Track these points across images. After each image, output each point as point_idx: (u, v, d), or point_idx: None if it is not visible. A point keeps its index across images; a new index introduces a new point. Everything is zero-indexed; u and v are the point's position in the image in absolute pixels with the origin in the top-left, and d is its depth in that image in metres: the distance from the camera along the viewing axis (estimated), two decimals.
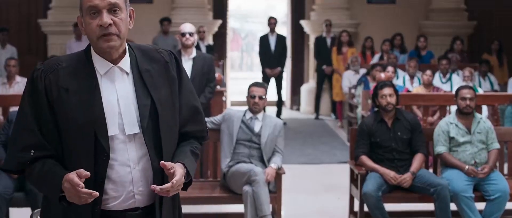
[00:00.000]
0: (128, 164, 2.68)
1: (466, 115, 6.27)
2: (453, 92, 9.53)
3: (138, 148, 2.70)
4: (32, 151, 2.64)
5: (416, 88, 9.83)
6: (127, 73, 2.71)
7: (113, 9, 2.63)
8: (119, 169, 2.68)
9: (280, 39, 13.10)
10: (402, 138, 6.22)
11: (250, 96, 6.28)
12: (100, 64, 2.67)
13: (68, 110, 2.63)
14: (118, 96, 2.67)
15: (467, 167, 6.08)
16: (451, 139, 6.23)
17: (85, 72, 2.65)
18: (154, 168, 2.71)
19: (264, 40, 13.14)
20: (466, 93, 6.31)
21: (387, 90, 6.28)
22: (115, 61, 2.68)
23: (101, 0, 2.60)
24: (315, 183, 8.53)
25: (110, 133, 2.64)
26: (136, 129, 2.69)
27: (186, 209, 6.43)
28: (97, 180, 2.63)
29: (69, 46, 12.53)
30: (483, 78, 11.41)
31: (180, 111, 2.84)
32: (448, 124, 6.28)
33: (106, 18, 2.59)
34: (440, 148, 6.24)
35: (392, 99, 6.26)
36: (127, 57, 2.72)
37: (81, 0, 2.67)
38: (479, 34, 14.61)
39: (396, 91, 6.34)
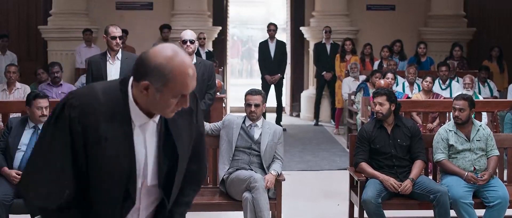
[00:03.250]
0: (138, 207, 2.81)
1: (460, 125, 6.26)
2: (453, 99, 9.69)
3: (151, 194, 2.82)
4: (66, 192, 2.64)
5: (415, 94, 9.83)
6: (156, 123, 2.74)
7: None
8: (133, 212, 2.81)
9: (280, 45, 13.11)
10: (402, 145, 6.22)
11: (247, 104, 6.27)
12: (137, 115, 2.66)
13: (102, 158, 2.63)
14: (147, 149, 2.72)
15: (466, 173, 6.08)
16: (450, 146, 6.24)
17: (122, 120, 2.64)
18: (157, 205, 2.88)
19: (263, 46, 13.15)
20: (456, 104, 6.31)
21: (378, 99, 6.29)
22: (151, 116, 2.70)
23: (192, 88, 2.63)
24: (315, 190, 8.51)
25: (138, 184, 2.73)
26: (155, 180, 2.79)
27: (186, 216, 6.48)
28: None
29: (79, 51, 12.63)
30: (483, 85, 11.41)
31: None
32: (447, 131, 6.29)
33: (189, 101, 2.66)
34: (440, 155, 6.24)
35: (383, 108, 6.24)
36: None
37: (170, 80, 2.55)
38: (478, 40, 14.60)
39: (393, 99, 6.31)
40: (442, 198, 5.85)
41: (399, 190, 5.99)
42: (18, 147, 6.09)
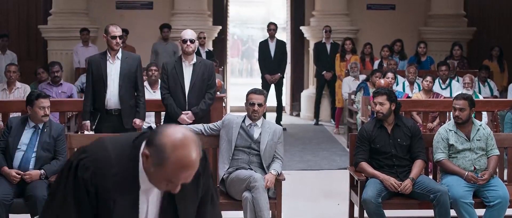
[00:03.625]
0: None
1: (460, 124, 6.26)
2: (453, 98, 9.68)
3: None
4: None
5: (415, 94, 9.81)
6: None
7: None
8: None
9: (280, 44, 13.09)
10: (402, 144, 6.21)
11: (249, 103, 6.25)
12: (144, 182, 2.73)
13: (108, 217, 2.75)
14: (148, 212, 2.82)
15: (466, 173, 6.07)
16: (451, 146, 6.22)
17: (130, 185, 2.73)
18: None
19: (263, 46, 13.13)
20: (456, 103, 6.29)
21: (378, 98, 6.28)
22: None
23: (185, 180, 2.66)
24: (315, 189, 8.50)
25: None
26: None
27: None
28: None
29: (76, 51, 12.63)
30: (483, 84, 11.40)
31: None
32: (447, 131, 6.28)
33: (179, 188, 2.69)
34: (440, 155, 6.23)
35: (383, 108, 6.23)
36: None
37: (165, 163, 2.60)
38: (478, 40, 14.59)
39: (393, 98, 6.29)
40: (442, 198, 5.84)
41: (398, 189, 5.98)
42: (18, 147, 6.08)
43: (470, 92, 9.37)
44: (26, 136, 6.13)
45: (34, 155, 6.09)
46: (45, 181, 5.98)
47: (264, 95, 6.32)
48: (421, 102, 8.57)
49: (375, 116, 8.20)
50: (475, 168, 6.15)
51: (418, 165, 6.15)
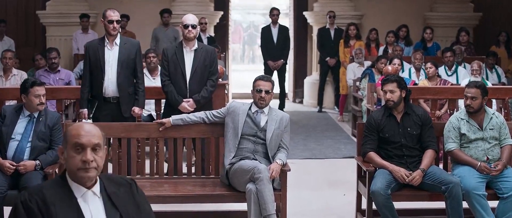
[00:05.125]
0: None
1: (472, 113, 6.02)
2: (460, 84, 9.49)
3: None
4: None
5: (422, 81, 9.59)
6: (98, 197, 3.13)
7: (95, 148, 3.08)
8: None
9: (283, 30, 12.95)
10: (412, 134, 5.98)
11: (256, 90, 6.02)
12: (76, 189, 3.09)
13: None
14: (92, 217, 3.09)
15: (479, 163, 5.84)
16: (462, 135, 5.99)
17: (65, 195, 3.06)
18: None
19: (266, 31, 13.01)
20: (468, 92, 6.05)
21: (388, 86, 6.03)
22: (88, 187, 3.10)
23: (87, 140, 3.06)
24: (319, 179, 8.30)
25: None
26: None
27: (186, 207, 6.28)
28: None
29: (75, 37, 12.49)
30: (490, 71, 11.18)
31: None
32: (459, 120, 6.04)
33: (90, 155, 3.05)
34: (451, 144, 6.00)
35: (394, 96, 6.00)
36: (98, 184, 3.15)
37: (67, 135, 3.10)
38: (484, 26, 14.39)
39: (403, 85, 6.06)
40: (454, 189, 5.61)
41: (406, 180, 5.75)
42: (12, 136, 5.87)
43: (478, 79, 9.14)
44: (21, 125, 5.92)
45: (29, 145, 5.87)
46: (41, 172, 5.77)
47: (272, 82, 6.10)
48: (429, 90, 8.32)
49: (381, 103, 8.00)
50: (488, 158, 5.91)
51: (428, 155, 5.91)
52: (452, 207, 5.65)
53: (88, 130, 3.09)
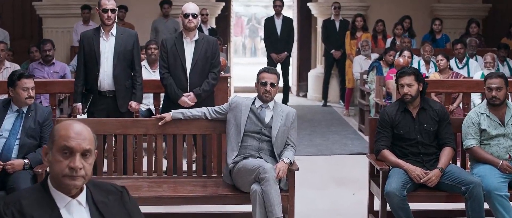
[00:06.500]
0: None
1: (497, 106, 5.63)
2: (472, 78, 9.16)
3: None
4: None
5: (433, 74, 9.27)
6: (84, 207, 2.84)
7: (85, 154, 2.78)
8: None
9: (287, 21, 12.78)
10: (428, 130, 5.59)
11: (261, 83, 5.64)
12: (58, 198, 2.79)
13: None
14: None
15: (501, 162, 5.44)
16: (482, 131, 5.60)
17: (46, 205, 2.77)
18: None
19: (269, 23, 12.83)
20: (492, 82, 5.65)
21: (406, 79, 5.63)
22: (73, 196, 2.81)
23: (77, 144, 2.75)
24: (326, 177, 7.93)
25: None
26: None
27: (186, 208, 5.91)
28: None
29: (76, 29, 12.21)
30: (502, 64, 10.83)
31: None
32: (478, 115, 5.65)
33: (78, 162, 2.75)
34: (470, 141, 5.60)
35: (412, 90, 5.61)
36: (84, 192, 2.85)
37: (54, 135, 2.79)
38: (493, 17, 14.09)
39: (421, 78, 5.68)
40: (475, 190, 5.20)
41: (421, 180, 5.36)
42: (0, 133, 5.51)
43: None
44: (9, 121, 5.56)
45: (17, 142, 5.52)
46: (29, 172, 5.40)
47: (277, 75, 5.73)
48: (443, 83, 7.90)
49: (390, 97, 7.62)
50: (510, 157, 5.52)
51: (446, 153, 5.52)
52: (473, 209, 5.25)
53: (79, 131, 2.79)
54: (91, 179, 2.90)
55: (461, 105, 8.14)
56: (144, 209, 5.38)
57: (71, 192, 2.79)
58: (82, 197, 2.84)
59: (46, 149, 2.83)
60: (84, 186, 2.85)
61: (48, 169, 2.83)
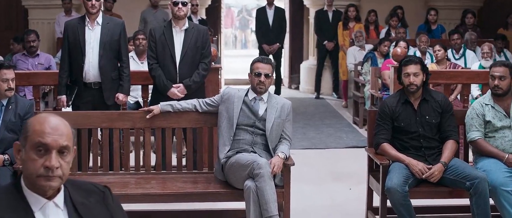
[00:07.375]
0: None
1: (500, 96, 5.39)
2: (470, 68, 8.96)
3: None
4: None
5: (430, 65, 9.04)
6: (61, 209, 2.63)
7: (62, 151, 2.55)
8: None
9: (279, 12, 12.68)
10: (431, 122, 5.33)
11: (255, 74, 5.37)
12: (33, 200, 2.57)
13: None
14: None
15: (507, 155, 5.20)
16: (487, 123, 5.35)
17: (19, 208, 2.55)
18: None
19: (261, 13, 12.70)
20: (495, 71, 5.41)
21: (412, 68, 5.38)
22: (49, 197, 2.58)
23: (53, 140, 2.52)
24: (321, 171, 7.69)
25: None
26: None
27: (176, 205, 5.63)
28: None
29: (58, 21, 11.92)
30: (499, 55, 10.60)
31: None
32: (483, 106, 5.40)
33: (55, 161, 2.52)
34: (475, 133, 5.35)
35: (418, 79, 5.36)
36: (61, 193, 2.63)
37: (27, 130, 2.55)
38: (489, 8, 13.88)
39: (425, 68, 5.44)
40: (481, 185, 4.94)
41: (423, 176, 5.11)
42: None
43: (489, 63, 8.56)
44: None
45: None
46: (9, 168, 5.14)
47: (272, 65, 5.47)
48: (442, 74, 7.70)
49: (387, 89, 7.37)
50: None
51: (449, 147, 5.27)
52: (478, 205, 4.99)
53: (55, 126, 2.54)
54: (69, 178, 2.68)
55: (459, 96, 7.94)
56: (132, 206, 5.15)
57: (47, 194, 2.56)
58: (59, 198, 2.62)
59: (19, 146, 2.60)
60: (62, 186, 2.64)
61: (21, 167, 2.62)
